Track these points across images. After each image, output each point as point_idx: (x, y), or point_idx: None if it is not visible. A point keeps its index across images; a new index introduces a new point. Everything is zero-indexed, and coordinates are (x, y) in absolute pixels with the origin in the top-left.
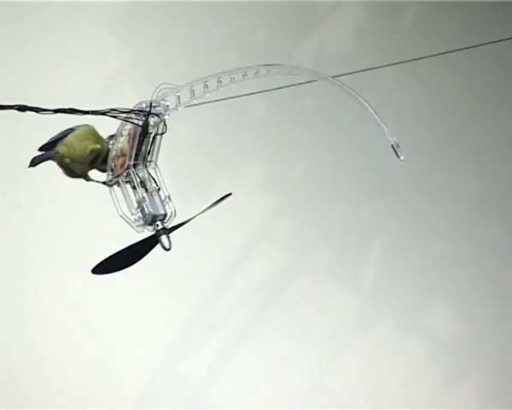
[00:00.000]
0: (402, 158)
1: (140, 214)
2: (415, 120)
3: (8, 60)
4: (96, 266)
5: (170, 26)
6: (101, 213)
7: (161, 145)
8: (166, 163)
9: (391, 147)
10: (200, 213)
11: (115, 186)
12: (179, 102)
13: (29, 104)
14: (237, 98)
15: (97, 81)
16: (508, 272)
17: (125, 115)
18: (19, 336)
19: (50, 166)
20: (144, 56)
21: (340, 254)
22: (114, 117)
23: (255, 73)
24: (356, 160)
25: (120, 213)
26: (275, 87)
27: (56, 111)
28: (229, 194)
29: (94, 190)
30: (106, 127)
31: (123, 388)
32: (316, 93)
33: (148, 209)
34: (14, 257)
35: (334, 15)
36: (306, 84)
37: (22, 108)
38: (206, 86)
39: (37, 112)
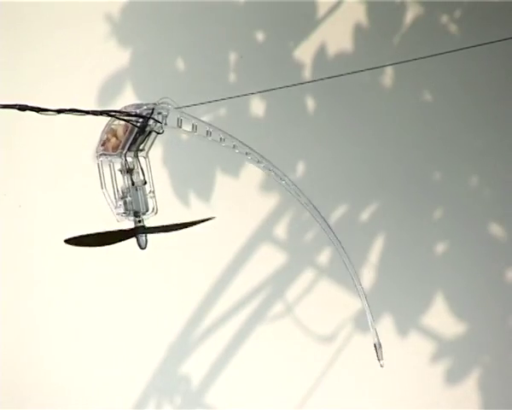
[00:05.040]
0: (382, 363)
1: (122, 205)
2: (414, 119)
3: (8, 60)
4: (71, 238)
5: (170, 27)
6: (102, 213)
7: (162, 145)
8: (166, 163)
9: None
10: (177, 229)
11: (103, 158)
12: (180, 126)
13: (30, 104)
14: (237, 98)
15: (98, 81)
16: (508, 272)
17: (126, 117)
18: (19, 336)
19: (51, 167)
20: (144, 57)
21: (340, 254)
22: (115, 117)
23: (258, 161)
24: (356, 160)
25: (103, 190)
26: (275, 87)
27: (57, 111)
28: (212, 218)
29: (94, 190)
30: None
31: (123, 388)
32: (316, 93)
33: (132, 206)
34: (15, 257)
35: (334, 15)
36: (307, 85)
37: (23, 108)
38: (208, 133)
39: (37, 112)
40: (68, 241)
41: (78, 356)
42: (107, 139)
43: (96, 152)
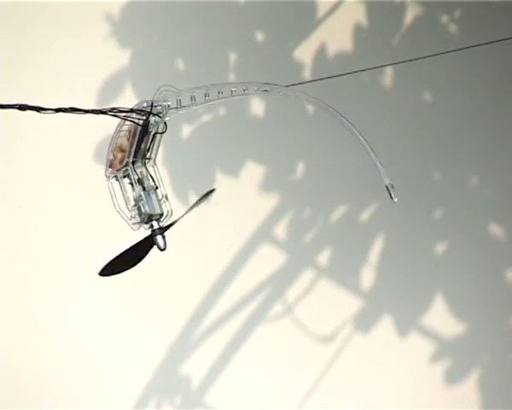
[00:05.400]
0: (395, 200)
1: (136, 212)
2: (415, 119)
3: (8, 60)
4: (103, 268)
5: (170, 27)
6: (102, 214)
7: (162, 145)
8: (166, 163)
9: (385, 187)
10: (189, 210)
11: (113, 180)
12: (180, 106)
13: (30, 104)
14: (237, 98)
15: (98, 81)
16: (508, 272)
17: (125, 114)
18: (19, 336)
19: (51, 167)
20: (144, 56)
21: (340, 254)
22: (115, 116)
23: (255, 90)
24: (356, 159)
25: (117, 209)
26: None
27: (57, 110)
28: (213, 190)
29: (94, 191)
30: (107, 126)
31: (123, 388)
32: (316, 93)
33: (145, 208)
34: (15, 257)
35: (334, 15)
36: (306, 84)
37: (23, 108)
38: (207, 94)
39: (37, 111)
40: (103, 273)
41: (78, 356)
42: (114, 157)
43: (105, 176)
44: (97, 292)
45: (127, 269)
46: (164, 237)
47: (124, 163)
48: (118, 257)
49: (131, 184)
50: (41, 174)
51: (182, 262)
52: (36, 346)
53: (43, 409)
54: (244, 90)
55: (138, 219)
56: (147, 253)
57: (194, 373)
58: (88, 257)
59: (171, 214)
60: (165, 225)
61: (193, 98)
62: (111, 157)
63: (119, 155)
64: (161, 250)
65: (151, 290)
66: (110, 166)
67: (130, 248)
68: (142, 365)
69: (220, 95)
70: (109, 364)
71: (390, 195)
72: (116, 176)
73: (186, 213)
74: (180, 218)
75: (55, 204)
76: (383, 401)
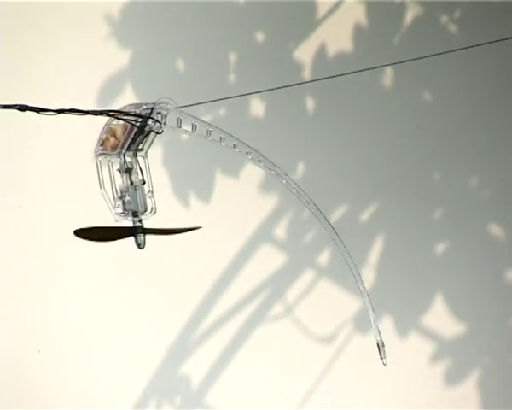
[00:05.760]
0: (384, 361)
1: (120, 204)
2: (414, 119)
3: (8, 60)
4: (83, 230)
5: (170, 27)
6: (102, 214)
7: (162, 145)
8: (166, 163)
9: (376, 344)
10: (173, 233)
11: (102, 158)
12: (180, 125)
13: (30, 104)
14: (237, 98)
15: (98, 81)
16: (507, 272)
17: (125, 116)
18: (19, 336)
19: (51, 166)
20: (144, 57)
21: (340, 254)
22: (115, 117)
23: (258, 160)
24: (356, 160)
25: (102, 190)
26: (274, 87)
27: (57, 111)
28: (199, 227)
29: (95, 191)
30: None
31: (123, 388)
32: (316, 93)
33: (130, 206)
34: (15, 258)
35: (334, 15)
36: (306, 84)
37: (23, 108)
38: (208, 133)
39: (37, 112)
40: (77, 232)
41: (78, 357)
42: (106, 139)
43: (95, 152)
44: (97, 292)
45: (104, 240)
46: (144, 235)
47: (116, 152)
48: (101, 228)
49: (120, 171)
50: (41, 174)
51: (182, 262)
52: (35, 346)
53: (43, 409)
54: (247, 153)
55: (121, 211)
56: (121, 238)
57: (194, 373)
58: (88, 258)
59: (155, 212)
60: (150, 229)
61: (194, 127)
62: (103, 137)
63: (112, 140)
64: (140, 248)
65: (151, 290)
66: (101, 145)
67: (115, 227)
68: (142, 365)
69: (222, 140)
70: (109, 364)
71: (380, 353)
72: (106, 154)
73: (173, 233)
74: (166, 233)
75: (55, 204)
76: (383, 401)
